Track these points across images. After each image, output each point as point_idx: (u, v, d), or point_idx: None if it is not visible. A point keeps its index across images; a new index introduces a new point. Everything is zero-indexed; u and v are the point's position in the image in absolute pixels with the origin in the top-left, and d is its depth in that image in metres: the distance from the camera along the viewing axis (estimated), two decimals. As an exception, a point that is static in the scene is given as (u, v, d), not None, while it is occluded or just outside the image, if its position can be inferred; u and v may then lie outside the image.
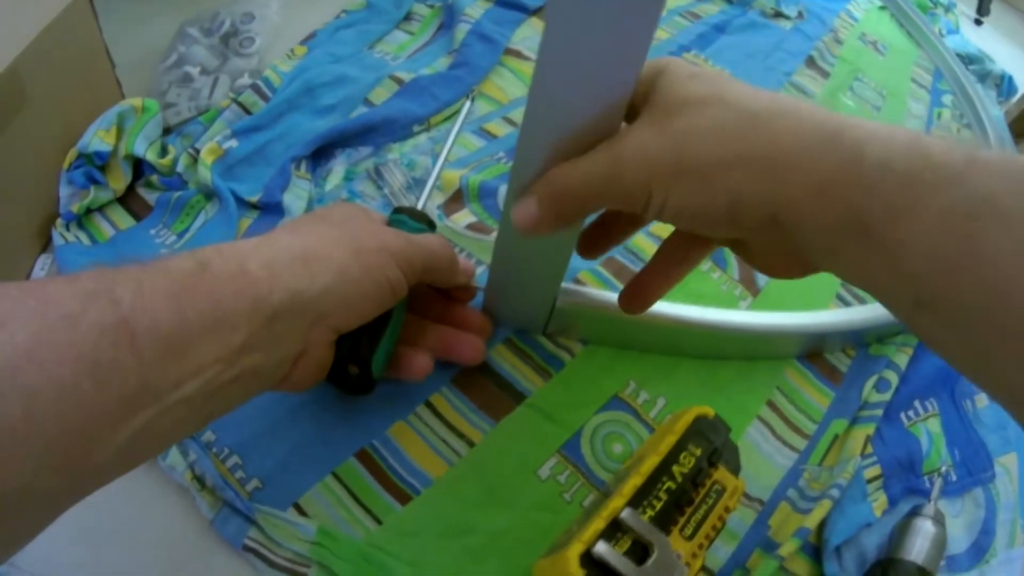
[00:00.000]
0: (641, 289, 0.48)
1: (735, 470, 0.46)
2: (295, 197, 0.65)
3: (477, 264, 0.63)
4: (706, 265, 0.69)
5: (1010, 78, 1.17)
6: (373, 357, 0.45)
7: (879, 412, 0.59)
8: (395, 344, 0.49)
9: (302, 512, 0.48)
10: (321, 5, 0.88)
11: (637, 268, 0.65)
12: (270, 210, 0.64)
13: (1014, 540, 0.56)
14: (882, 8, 1.25)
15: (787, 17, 1.10)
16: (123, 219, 0.62)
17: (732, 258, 0.70)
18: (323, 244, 0.40)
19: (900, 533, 0.52)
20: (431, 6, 0.91)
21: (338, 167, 0.69)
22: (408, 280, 0.43)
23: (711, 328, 0.58)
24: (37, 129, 0.57)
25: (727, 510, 0.44)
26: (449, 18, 0.88)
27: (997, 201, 0.27)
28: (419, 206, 0.54)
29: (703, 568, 0.49)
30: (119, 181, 0.63)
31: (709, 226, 0.37)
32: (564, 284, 0.54)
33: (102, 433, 0.29)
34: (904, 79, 1.08)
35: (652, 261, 0.48)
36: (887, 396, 0.61)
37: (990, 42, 1.29)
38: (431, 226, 0.53)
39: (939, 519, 0.52)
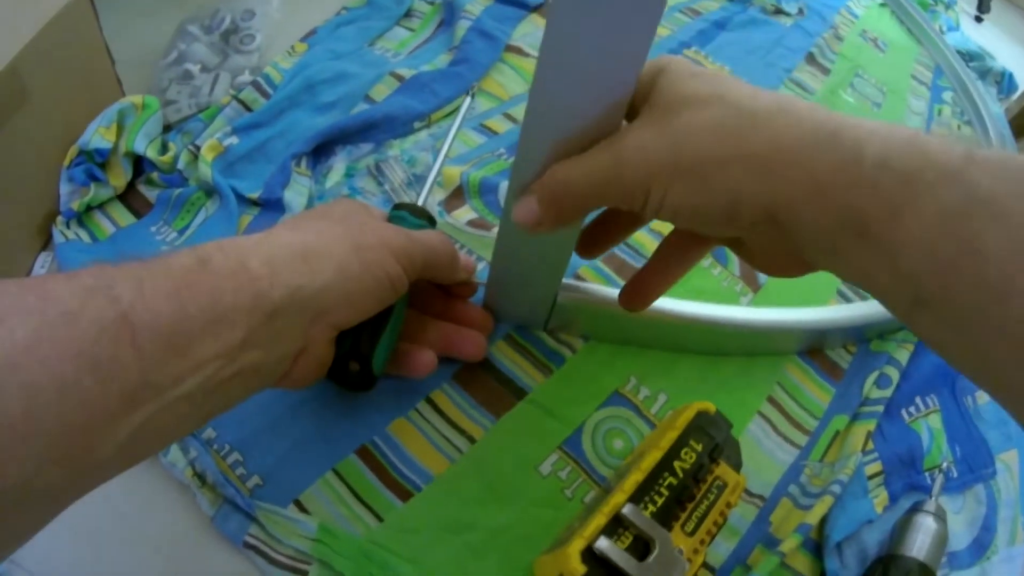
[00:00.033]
0: (641, 287, 0.49)
1: (736, 466, 0.46)
2: (296, 194, 0.64)
3: (478, 260, 0.63)
4: (707, 261, 0.69)
5: (1010, 75, 1.17)
6: (374, 354, 0.45)
7: (880, 408, 0.59)
8: (396, 341, 0.49)
9: (303, 509, 0.48)
10: (322, 2, 0.88)
11: (638, 264, 0.65)
12: (271, 207, 0.64)
13: (1015, 537, 0.56)
14: (882, 5, 1.25)
15: (787, 14, 1.10)
16: (124, 216, 0.62)
17: (733, 254, 0.70)
18: (324, 240, 0.40)
19: (901, 529, 0.52)
20: (431, 3, 0.91)
21: (339, 164, 0.69)
22: (408, 276, 0.43)
23: (712, 324, 0.58)
24: (37, 127, 0.57)
25: (728, 506, 0.44)
26: (449, 15, 0.88)
27: (996, 200, 0.27)
28: (420, 202, 0.54)
29: (704, 564, 0.49)
30: (119, 178, 0.63)
31: (707, 225, 0.37)
32: (565, 280, 0.53)
33: (103, 429, 0.29)
34: (904, 76, 1.08)
35: (652, 260, 0.48)
36: (888, 392, 0.61)
37: (990, 39, 1.29)
38: (432, 222, 0.53)
39: (940, 515, 0.52)
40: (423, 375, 0.51)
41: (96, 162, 0.61)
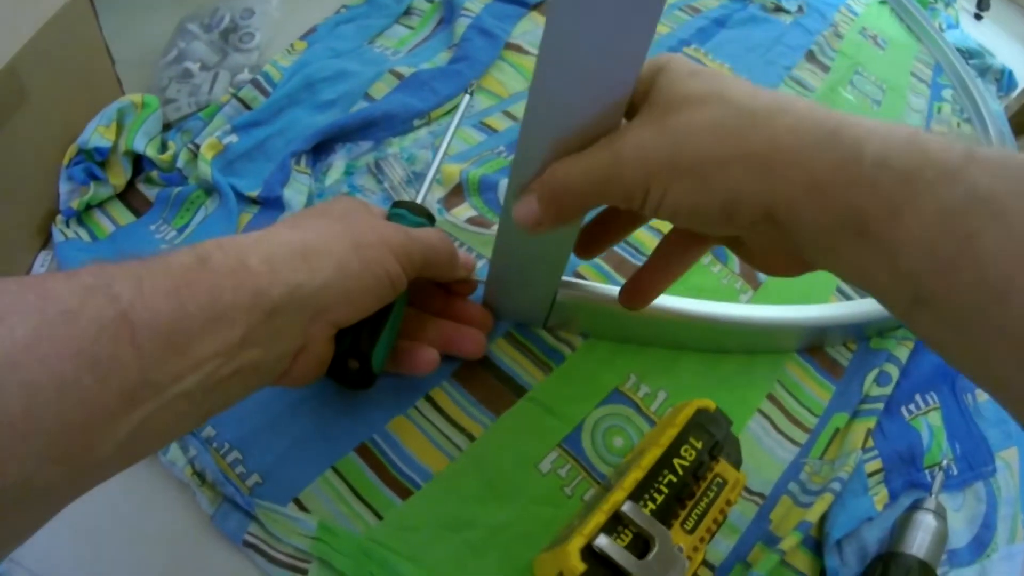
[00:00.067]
0: (641, 286, 0.49)
1: (736, 463, 0.46)
2: (295, 192, 0.64)
3: (477, 258, 0.63)
4: (707, 258, 0.69)
5: (1010, 72, 1.17)
6: (373, 351, 0.45)
7: (880, 406, 0.59)
8: (395, 338, 0.49)
9: (302, 507, 0.48)
10: (321, 0, 0.87)
11: (637, 262, 0.65)
12: (270, 205, 0.64)
13: (1015, 535, 0.56)
14: (882, 2, 1.25)
15: (787, 11, 1.10)
16: (123, 215, 0.62)
17: (733, 252, 0.70)
18: (323, 238, 0.40)
19: (901, 527, 0.52)
20: (431, 1, 0.91)
21: (338, 162, 0.69)
22: (407, 274, 0.43)
23: (712, 321, 0.58)
24: (37, 126, 0.57)
25: (728, 503, 0.44)
26: (449, 13, 0.88)
27: (996, 199, 0.27)
28: (419, 200, 0.54)
29: (704, 562, 0.49)
30: (119, 177, 0.63)
31: (706, 224, 0.37)
32: (565, 278, 0.53)
33: (102, 427, 0.29)
34: (904, 73, 1.08)
35: (651, 259, 0.48)
36: (888, 390, 0.61)
37: (990, 36, 1.29)
38: (431, 220, 0.53)
39: (940, 513, 0.52)
40: (425, 373, 0.51)
41: (96, 161, 0.61)
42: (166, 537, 0.47)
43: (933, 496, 0.53)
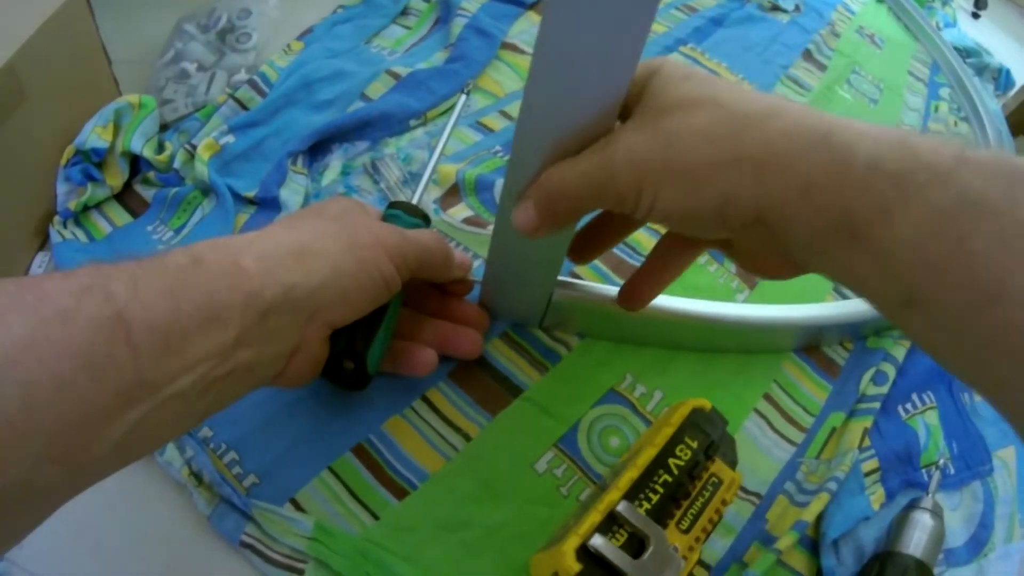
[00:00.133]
0: (637, 288, 0.49)
1: (732, 463, 0.46)
2: (292, 192, 0.64)
3: (474, 258, 0.63)
4: (703, 258, 0.69)
5: (1008, 71, 1.17)
6: (368, 352, 0.45)
7: (876, 405, 0.59)
8: (390, 339, 0.49)
9: (299, 508, 0.48)
10: (318, 0, 0.88)
11: (634, 262, 0.66)
12: (267, 205, 0.64)
13: (1012, 534, 0.56)
14: (879, 1, 1.25)
15: (784, 10, 1.10)
16: (120, 216, 0.62)
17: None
18: (318, 239, 0.40)
19: (898, 526, 0.52)
20: (428, 0, 0.91)
21: (335, 162, 0.69)
22: (402, 275, 0.43)
23: (708, 321, 0.58)
24: (34, 126, 0.57)
25: (724, 503, 0.44)
26: (446, 12, 0.88)
27: (987, 201, 0.27)
28: (414, 200, 0.54)
29: (700, 562, 0.49)
30: (116, 178, 0.63)
31: (698, 227, 0.37)
32: (561, 278, 0.53)
33: (99, 427, 0.29)
34: (901, 72, 1.08)
35: (647, 261, 0.48)
36: (884, 389, 0.61)
37: (988, 35, 1.29)
38: (426, 221, 0.53)
39: (937, 512, 0.52)
40: (423, 374, 0.51)
41: (93, 162, 0.61)
42: (163, 537, 0.47)
43: (930, 495, 0.53)
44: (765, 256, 0.39)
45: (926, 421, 0.60)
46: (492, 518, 0.49)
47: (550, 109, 0.38)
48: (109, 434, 0.29)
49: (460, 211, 0.67)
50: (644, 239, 0.68)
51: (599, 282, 0.62)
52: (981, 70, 1.16)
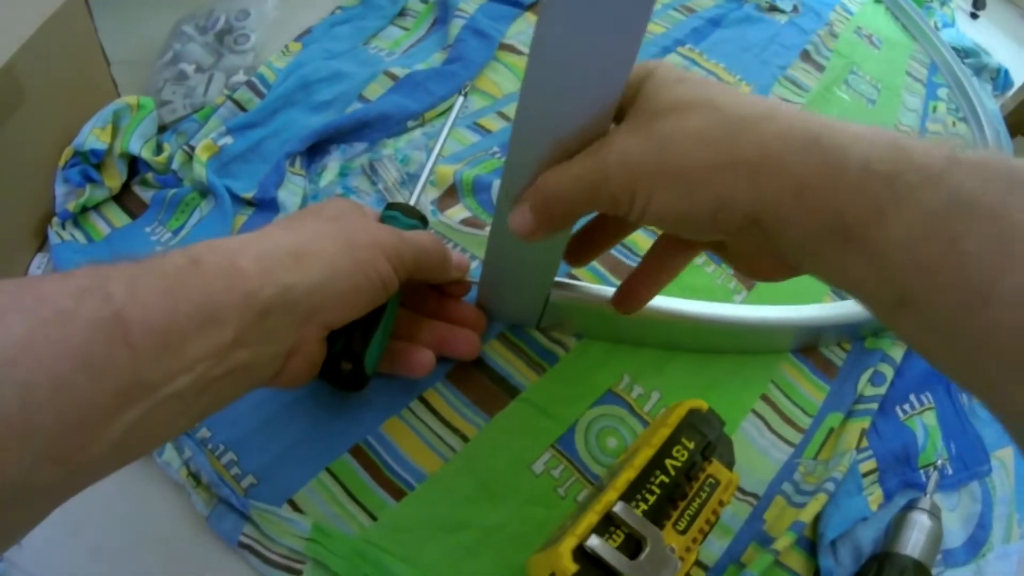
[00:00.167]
0: (632, 291, 0.49)
1: (729, 464, 0.46)
2: (290, 193, 0.65)
3: (472, 259, 0.63)
4: (700, 259, 0.69)
5: (1006, 72, 1.18)
6: (366, 353, 0.45)
7: (874, 406, 0.59)
8: (388, 340, 0.49)
9: (297, 508, 0.48)
10: (316, 1, 0.88)
11: (631, 262, 0.66)
12: (265, 206, 0.64)
13: (1010, 535, 0.57)
14: (878, 2, 1.25)
15: (782, 11, 1.10)
16: (119, 217, 0.62)
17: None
18: (315, 239, 0.41)
19: (896, 527, 0.52)
20: (425, 2, 0.91)
21: (333, 163, 0.69)
22: (399, 276, 0.44)
23: (706, 322, 0.58)
24: (33, 127, 0.57)
25: (721, 504, 0.44)
26: (443, 13, 0.88)
27: (979, 202, 0.27)
28: (412, 202, 0.54)
29: (698, 562, 0.49)
30: (115, 179, 0.63)
31: (692, 230, 0.38)
32: (558, 279, 0.54)
33: (98, 427, 0.29)
34: (899, 73, 1.08)
35: (641, 264, 0.48)
36: (882, 390, 0.61)
37: (986, 35, 1.29)
38: (424, 222, 0.53)
39: (935, 513, 0.52)
40: (421, 375, 0.51)
41: (91, 163, 0.61)
42: (161, 538, 0.47)
43: (928, 496, 0.53)
44: (759, 258, 0.39)
45: (924, 422, 0.61)
46: (490, 519, 0.49)
47: (545, 112, 0.38)
48: (107, 434, 0.29)
49: (458, 212, 0.67)
50: (641, 240, 0.68)
51: (596, 283, 0.62)
52: (979, 70, 1.16)
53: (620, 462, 0.49)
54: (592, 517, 0.40)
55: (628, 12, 0.33)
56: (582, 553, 0.39)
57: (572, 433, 0.54)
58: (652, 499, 0.42)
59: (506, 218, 0.43)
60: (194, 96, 0.72)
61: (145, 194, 0.64)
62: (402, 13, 0.90)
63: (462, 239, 0.65)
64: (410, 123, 0.74)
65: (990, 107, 1.05)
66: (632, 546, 0.40)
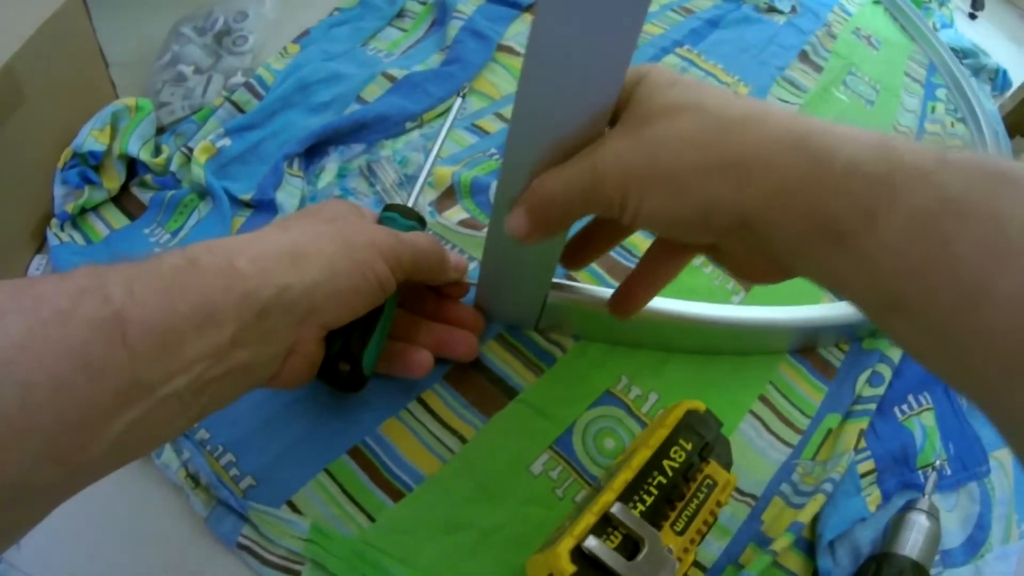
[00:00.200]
0: (628, 295, 0.50)
1: (726, 464, 0.46)
2: (288, 195, 0.65)
3: (469, 260, 0.63)
4: (699, 259, 0.69)
5: (1004, 72, 1.18)
6: (364, 354, 0.45)
7: (872, 406, 0.59)
8: (385, 341, 0.49)
9: (295, 509, 0.48)
10: (315, 3, 0.88)
11: (629, 263, 0.66)
12: (263, 208, 0.64)
13: (1009, 535, 0.56)
14: (876, 2, 1.25)
15: (781, 12, 1.10)
16: (117, 218, 0.62)
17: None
18: (313, 240, 0.41)
19: (894, 528, 0.52)
20: (424, 3, 0.92)
21: (331, 164, 0.69)
22: (396, 277, 0.44)
23: (704, 323, 0.58)
24: (32, 129, 0.57)
25: (719, 504, 0.44)
26: (442, 15, 0.88)
27: (969, 203, 0.27)
28: (410, 203, 0.54)
29: (696, 563, 0.49)
30: (113, 180, 0.63)
31: (684, 232, 0.38)
32: (556, 280, 0.54)
33: (97, 426, 0.29)
34: (898, 73, 1.08)
35: (637, 268, 0.48)
36: (880, 390, 0.61)
37: (985, 36, 1.29)
38: (422, 223, 0.53)
39: (933, 513, 0.52)
40: (419, 376, 0.51)
41: (90, 164, 0.61)
42: (160, 539, 0.47)
43: (926, 496, 0.53)
44: (752, 261, 0.39)
45: (922, 422, 0.60)
46: (488, 520, 0.49)
47: (540, 116, 0.38)
48: (106, 434, 0.30)
49: (456, 213, 0.67)
50: (639, 241, 0.68)
51: (594, 284, 0.62)
52: (978, 71, 1.16)
53: (618, 463, 0.49)
54: (590, 518, 0.40)
55: (622, 17, 0.33)
56: (580, 554, 0.39)
57: (570, 434, 0.54)
58: (650, 500, 0.42)
59: (503, 221, 0.43)
60: (192, 97, 0.72)
61: (144, 196, 0.64)
62: (400, 14, 0.90)
63: (460, 240, 0.65)
64: (408, 124, 0.74)
65: (989, 107, 1.05)
66: (630, 547, 0.40)
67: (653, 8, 1.02)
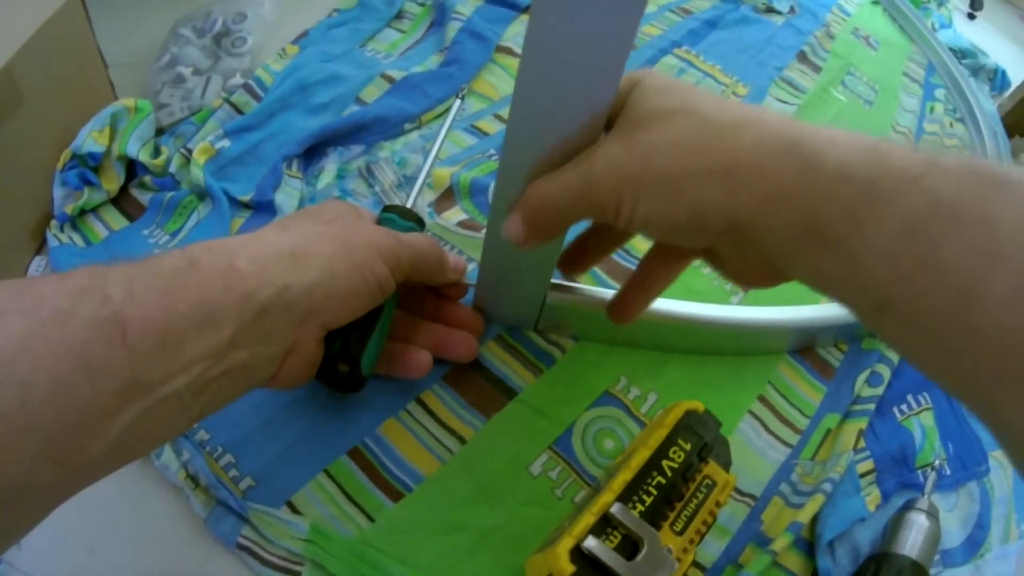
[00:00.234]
0: (626, 301, 0.50)
1: (726, 465, 0.46)
2: (287, 196, 0.65)
3: (468, 261, 0.63)
4: (698, 260, 0.68)
5: (1003, 72, 1.18)
6: (363, 354, 0.45)
7: (872, 406, 0.59)
8: (384, 342, 0.49)
9: (295, 510, 0.48)
10: (314, 4, 0.88)
11: (629, 265, 0.66)
12: (262, 209, 0.64)
13: (1009, 535, 0.56)
14: (875, 3, 1.25)
15: (779, 12, 1.10)
16: (116, 220, 0.62)
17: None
18: (312, 241, 0.41)
19: (893, 527, 0.52)
20: (422, 4, 0.92)
21: (330, 165, 0.69)
22: (395, 278, 0.44)
23: (703, 323, 0.58)
24: (31, 130, 0.57)
25: (718, 504, 0.44)
26: (440, 16, 0.89)
27: (959, 206, 0.27)
28: (409, 204, 0.55)
29: (696, 563, 0.49)
30: (112, 182, 0.63)
31: (678, 236, 0.38)
32: (555, 280, 0.54)
33: (96, 426, 0.29)
34: (896, 74, 1.08)
35: (633, 276, 0.49)
36: (879, 390, 0.61)
37: (983, 36, 1.29)
38: (420, 224, 0.54)
39: (933, 513, 0.52)
40: (418, 376, 0.51)
41: (89, 166, 0.61)
42: (160, 540, 0.47)
43: (926, 496, 0.53)
44: (747, 264, 0.39)
45: (921, 422, 0.61)
46: (487, 520, 0.49)
47: (537, 120, 0.38)
48: (106, 434, 0.30)
49: (454, 214, 0.67)
50: (639, 243, 0.67)
51: (593, 285, 0.62)
52: (977, 71, 1.16)
53: (617, 463, 0.49)
54: (589, 518, 0.40)
55: (616, 21, 0.33)
56: (579, 554, 0.39)
57: (569, 434, 0.54)
58: (649, 500, 0.42)
59: (500, 223, 0.43)
60: (191, 99, 0.72)
61: (143, 197, 0.64)
62: (399, 16, 0.90)
63: (459, 241, 0.65)
64: (407, 125, 0.74)
65: (987, 107, 1.05)
66: (629, 547, 0.40)
67: (651, 9, 1.02)
